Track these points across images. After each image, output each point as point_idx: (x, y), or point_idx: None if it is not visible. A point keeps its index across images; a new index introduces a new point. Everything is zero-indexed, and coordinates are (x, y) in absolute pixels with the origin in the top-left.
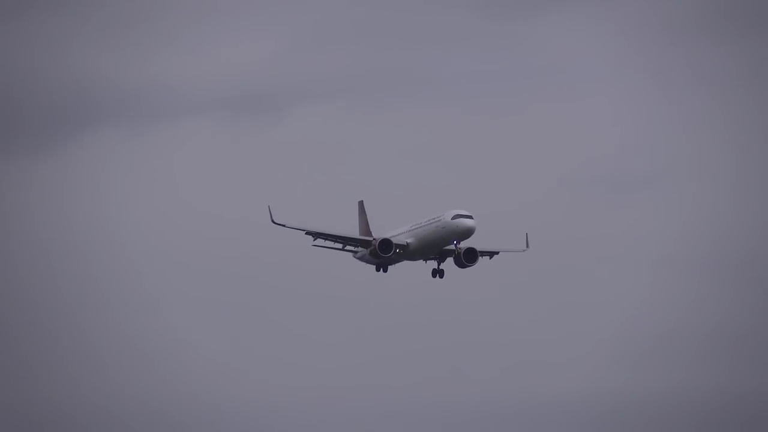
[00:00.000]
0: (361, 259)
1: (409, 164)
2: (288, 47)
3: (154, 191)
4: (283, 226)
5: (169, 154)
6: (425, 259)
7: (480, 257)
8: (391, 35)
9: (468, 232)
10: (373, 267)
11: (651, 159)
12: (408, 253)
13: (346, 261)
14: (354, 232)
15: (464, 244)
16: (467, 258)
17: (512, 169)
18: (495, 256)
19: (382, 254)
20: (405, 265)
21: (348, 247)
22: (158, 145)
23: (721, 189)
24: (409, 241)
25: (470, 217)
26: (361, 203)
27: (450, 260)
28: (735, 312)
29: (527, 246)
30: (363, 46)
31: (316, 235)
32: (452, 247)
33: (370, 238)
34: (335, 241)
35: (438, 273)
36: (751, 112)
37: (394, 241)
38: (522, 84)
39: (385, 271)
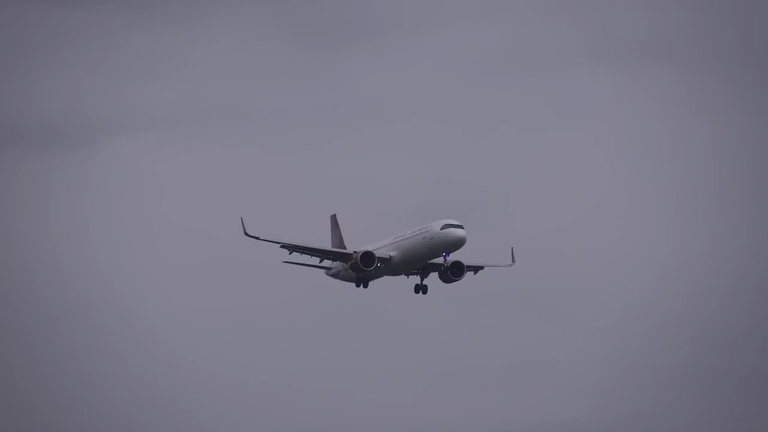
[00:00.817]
0: (335, 276)
1: (217, 201)
2: (101, 81)
3: None
4: (257, 238)
5: None
6: (407, 274)
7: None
8: (208, 69)
9: (459, 243)
10: (346, 283)
11: (466, 192)
12: (390, 267)
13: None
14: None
15: (451, 258)
16: (453, 272)
17: (329, 203)
18: (480, 270)
19: (365, 268)
20: (386, 280)
21: (324, 263)
22: None
23: (540, 225)
24: (392, 254)
25: (461, 226)
26: (333, 217)
27: (434, 275)
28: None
29: (513, 260)
30: (180, 80)
31: (293, 248)
32: (440, 260)
33: (351, 252)
34: (312, 255)
35: (421, 289)
36: (558, 143)
37: (377, 254)
38: (338, 116)
39: (365, 286)
